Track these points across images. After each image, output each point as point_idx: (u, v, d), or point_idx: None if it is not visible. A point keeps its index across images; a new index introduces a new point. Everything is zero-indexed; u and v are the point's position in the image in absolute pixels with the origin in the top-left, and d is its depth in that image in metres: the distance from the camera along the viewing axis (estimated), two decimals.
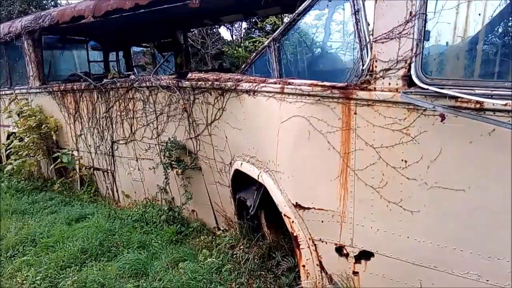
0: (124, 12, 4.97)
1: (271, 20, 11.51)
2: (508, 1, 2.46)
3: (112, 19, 5.24)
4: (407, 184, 2.47)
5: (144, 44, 9.64)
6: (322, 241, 3.02)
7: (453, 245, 2.37)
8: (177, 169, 4.64)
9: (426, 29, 2.33)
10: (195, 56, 14.73)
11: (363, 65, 2.61)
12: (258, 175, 3.47)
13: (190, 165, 4.60)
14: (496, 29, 2.59)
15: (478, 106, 2.11)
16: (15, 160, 6.62)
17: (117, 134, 5.60)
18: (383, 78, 2.49)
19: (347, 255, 2.89)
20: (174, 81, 4.41)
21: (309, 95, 2.87)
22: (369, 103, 2.56)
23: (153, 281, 3.63)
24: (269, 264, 3.76)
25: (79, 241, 4.43)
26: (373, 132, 2.57)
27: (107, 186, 6.26)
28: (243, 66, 3.99)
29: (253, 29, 16.62)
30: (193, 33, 14.13)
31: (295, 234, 3.10)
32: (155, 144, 5.03)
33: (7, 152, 7.00)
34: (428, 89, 2.28)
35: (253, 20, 14.67)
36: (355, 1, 2.68)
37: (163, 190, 5.00)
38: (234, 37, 18.22)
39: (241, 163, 3.74)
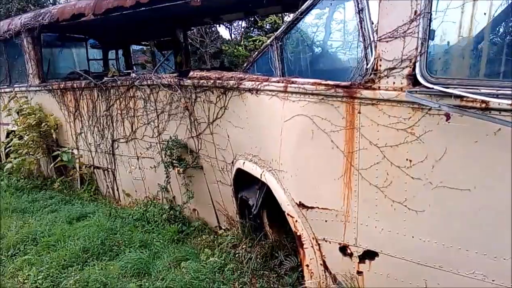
0: (124, 10, 4.95)
1: (271, 19, 11.48)
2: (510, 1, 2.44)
3: (112, 17, 5.22)
4: (412, 184, 2.46)
5: (143, 43, 9.62)
6: (326, 241, 3.02)
7: (458, 245, 2.36)
8: (178, 168, 4.63)
9: (431, 28, 2.32)
10: (193, 55, 14.70)
11: (367, 64, 2.60)
12: (261, 174, 3.46)
13: (192, 164, 4.58)
14: (497, 29, 2.58)
15: (483, 105, 2.10)
16: (15, 158, 6.59)
17: (117, 133, 5.58)
18: (388, 77, 2.48)
19: (351, 255, 2.88)
20: (176, 80, 4.39)
21: (312, 94, 2.86)
22: (373, 102, 2.55)
23: (155, 281, 3.63)
24: (271, 263, 3.75)
25: (81, 240, 4.42)
26: (377, 131, 2.56)
27: (107, 185, 6.24)
28: (245, 65, 3.98)
29: (252, 28, 16.60)
30: (192, 31, 14.10)
31: (298, 234, 3.10)
32: (156, 143, 5.01)
33: (7, 150, 6.96)
34: (433, 88, 2.27)
35: (252, 19, 14.65)
36: (359, 0, 2.67)
37: (164, 189, 4.98)
38: (233, 36, 18.20)
39: (244, 162, 3.73)
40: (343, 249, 2.93)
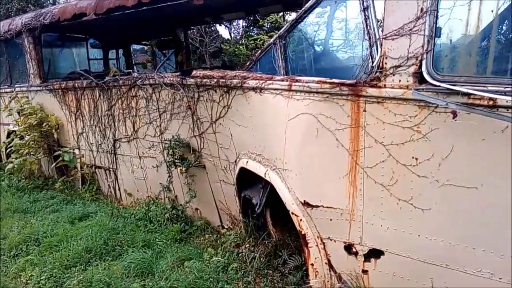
0: (126, 10, 4.93)
1: (272, 18, 11.47)
2: None
3: (113, 16, 5.20)
4: (418, 182, 2.46)
5: (143, 42, 9.61)
6: (331, 240, 3.01)
7: (465, 243, 2.35)
8: (180, 167, 4.61)
9: (437, 25, 2.31)
10: (193, 54, 14.67)
11: (372, 62, 2.59)
12: (265, 173, 3.45)
13: (194, 163, 4.57)
14: (504, 25, 2.57)
15: (491, 103, 2.09)
16: (16, 158, 6.57)
17: (119, 132, 5.56)
18: (393, 75, 2.47)
19: (356, 254, 2.88)
20: (178, 79, 4.38)
21: (317, 92, 2.85)
22: (378, 100, 2.54)
23: (159, 280, 3.61)
24: (275, 262, 3.74)
25: (83, 240, 4.40)
26: (383, 129, 2.55)
27: (109, 185, 6.22)
28: (247, 64, 3.96)
29: (251, 27, 16.58)
30: (192, 31, 14.08)
31: (303, 233, 3.09)
32: (158, 142, 5.00)
33: (7, 150, 6.95)
34: (439, 86, 2.26)
35: (251, 19, 14.63)
36: None
37: (166, 188, 4.97)
38: (232, 35, 18.18)
39: (247, 161, 3.72)
40: (348, 248, 2.92)
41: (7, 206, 5.82)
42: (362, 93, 2.60)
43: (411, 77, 2.39)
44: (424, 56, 2.33)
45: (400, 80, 2.44)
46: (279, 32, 3.49)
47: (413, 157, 2.45)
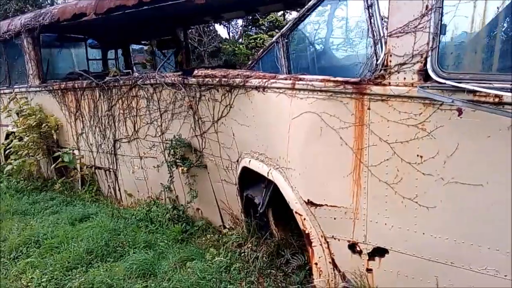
0: (126, 9, 4.91)
1: (271, 17, 11.48)
2: None
3: (113, 16, 5.18)
4: (423, 180, 2.45)
5: (143, 42, 9.58)
6: (335, 238, 2.99)
7: (470, 241, 2.35)
8: (182, 167, 4.59)
9: (442, 22, 2.31)
10: (192, 54, 14.67)
11: (377, 60, 2.58)
12: (268, 172, 3.43)
13: (195, 163, 4.55)
14: (509, 22, 2.57)
15: (497, 100, 2.08)
16: (15, 160, 6.52)
17: (119, 133, 5.54)
18: (398, 73, 2.46)
19: (360, 252, 2.86)
20: (180, 78, 4.36)
21: (321, 90, 2.83)
22: (383, 98, 2.53)
23: (162, 281, 3.59)
24: (278, 262, 3.72)
25: (84, 241, 4.37)
26: (388, 127, 2.54)
27: (109, 185, 6.20)
28: (249, 63, 3.95)
29: (250, 26, 16.59)
30: (190, 31, 14.07)
31: (307, 232, 3.07)
32: (159, 142, 4.98)
33: (6, 152, 6.91)
34: (445, 83, 2.25)
35: (250, 18, 14.64)
36: None
37: (167, 189, 4.95)
38: (231, 34, 18.18)
39: (249, 161, 3.71)
40: (352, 247, 2.91)
41: (7, 208, 5.77)
42: (366, 91, 2.59)
43: (416, 75, 2.38)
44: (429, 53, 2.31)
45: (405, 78, 2.43)
46: (281, 31, 3.48)
47: (418, 155, 2.44)
